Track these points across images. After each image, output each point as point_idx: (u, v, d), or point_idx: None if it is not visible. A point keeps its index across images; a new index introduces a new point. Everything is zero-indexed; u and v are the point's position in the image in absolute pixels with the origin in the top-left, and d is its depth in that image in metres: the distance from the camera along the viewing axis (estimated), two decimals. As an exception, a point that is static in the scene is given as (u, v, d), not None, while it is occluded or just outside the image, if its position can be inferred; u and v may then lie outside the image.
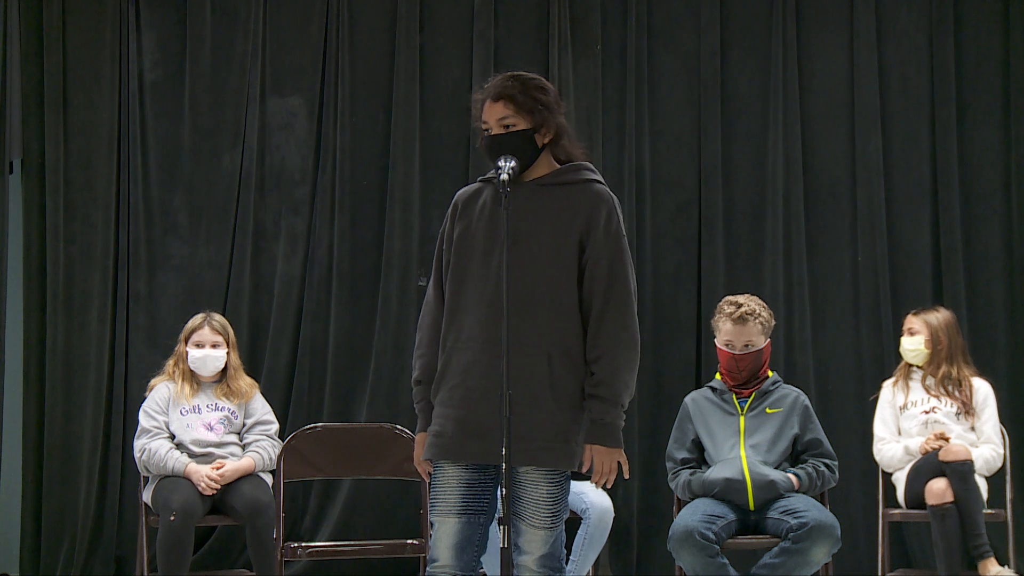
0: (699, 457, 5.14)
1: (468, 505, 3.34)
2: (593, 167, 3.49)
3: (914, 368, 5.70)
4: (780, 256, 6.47)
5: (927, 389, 5.61)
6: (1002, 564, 5.28)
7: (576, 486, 5.31)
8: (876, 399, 5.73)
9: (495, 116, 3.38)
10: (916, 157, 6.57)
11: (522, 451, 3.24)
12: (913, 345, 5.66)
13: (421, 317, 3.53)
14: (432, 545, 3.36)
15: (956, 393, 5.58)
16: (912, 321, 5.71)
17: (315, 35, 6.54)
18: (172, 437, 5.35)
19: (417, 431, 3.50)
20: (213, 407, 5.43)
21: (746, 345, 5.11)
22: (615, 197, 3.44)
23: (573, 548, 5.17)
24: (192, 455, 5.30)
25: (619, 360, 3.32)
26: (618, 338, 3.32)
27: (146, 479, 5.36)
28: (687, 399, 5.26)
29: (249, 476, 5.29)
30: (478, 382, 3.29)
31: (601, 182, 3.45)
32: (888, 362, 6.15)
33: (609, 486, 3.37)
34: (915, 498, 5.36)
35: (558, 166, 3.45)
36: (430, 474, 3.39)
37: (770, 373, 5.23)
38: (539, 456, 3.29)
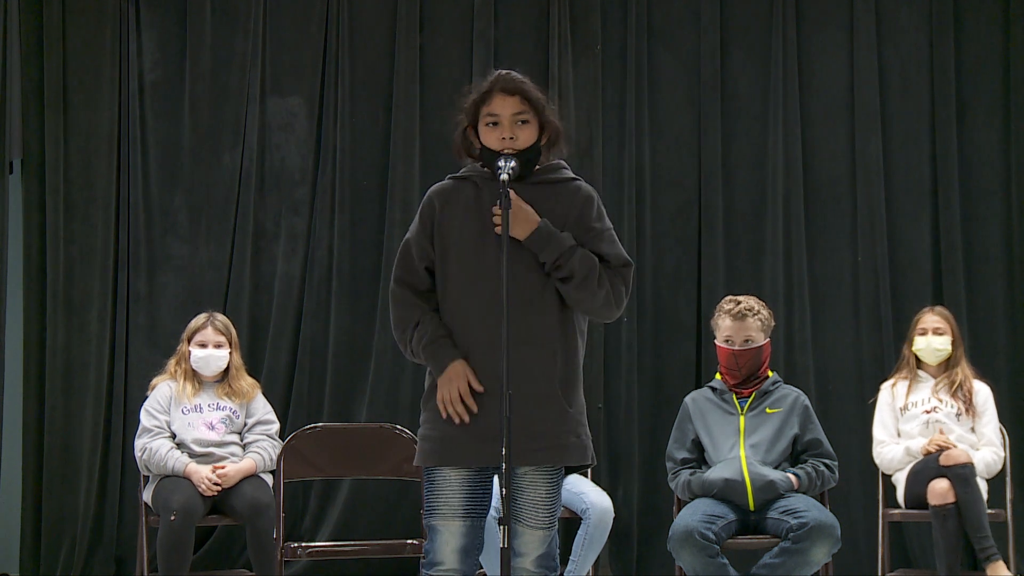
0: (699, 457, 5.14)
1: (471, 508, 3.29)
2: (566, 164, 3.46)
3: (920, 368, 5.68)
4: (780, 256, 6.47)
5: (935, 390, 5.59)
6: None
7: (577, 486, 5.30)
8: (875, 402, 5.72)
9: (510, 109, 3.33)
10: (916, 157, 6.57)
11: (539, 450, 3.23)
12: (943, 344, 5.63)
13: (398, 310, 3.35)
14: (434, 549, 3.27)
15: (959, 394, 5.57)
16: (933, 320, 5.66)
17: (315, 35, 6.54)
18: (173, 436, 5.35)
19: (451, 360, 3.25)
20: (215, 406, 5.43)
21: (746, 340, 5.11)
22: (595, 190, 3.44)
23: (573, 548, 5.16)
24: (193, 454, 5.30)
25: (595, 287, 3.26)
26: (605, 282, 3.28)
27: (146, 479, 5.36)
28: (687, 399, 5.26)
29: (249, 476, 5.29)
30: (485, 384, 3.22)
31: (579, 179, 3.44)
32: (888, 362, 6.14)
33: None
34: (915, 499, 5.35)
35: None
36: (427, 470, 3.31)
37: (770, 373, 5.22)
38: (555, 454, 3.26)
